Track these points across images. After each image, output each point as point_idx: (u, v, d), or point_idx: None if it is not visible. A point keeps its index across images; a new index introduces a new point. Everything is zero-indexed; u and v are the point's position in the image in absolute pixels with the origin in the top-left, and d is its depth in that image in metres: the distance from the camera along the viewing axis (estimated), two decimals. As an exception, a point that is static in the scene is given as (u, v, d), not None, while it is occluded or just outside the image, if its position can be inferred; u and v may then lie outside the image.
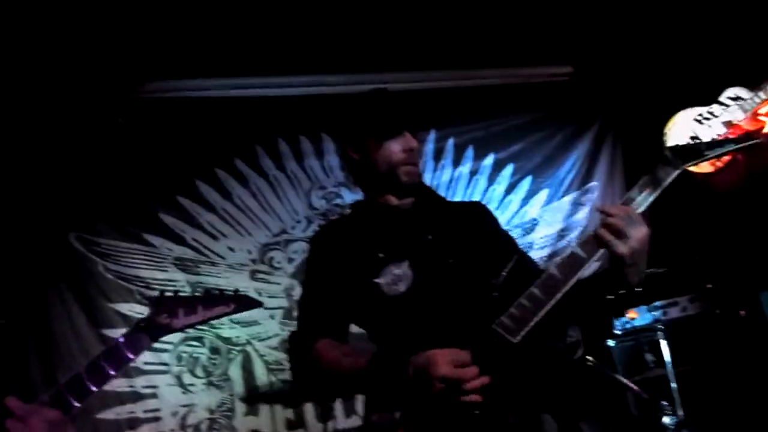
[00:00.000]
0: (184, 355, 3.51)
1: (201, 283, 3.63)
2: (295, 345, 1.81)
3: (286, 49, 3.76)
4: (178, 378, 3.49)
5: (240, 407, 3.54)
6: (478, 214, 2.01)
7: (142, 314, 3.44)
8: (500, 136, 4.33)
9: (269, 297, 3.72)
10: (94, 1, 3.14)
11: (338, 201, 4.04)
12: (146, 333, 1.34)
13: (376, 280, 1.76)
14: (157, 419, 3.39)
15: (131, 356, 1.30)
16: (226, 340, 3.60)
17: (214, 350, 3.58)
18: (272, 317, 3.71)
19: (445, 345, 1.57)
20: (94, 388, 1.23)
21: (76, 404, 1.21)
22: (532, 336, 1.54)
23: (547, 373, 1.61)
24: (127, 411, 3.32)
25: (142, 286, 3.54)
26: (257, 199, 3.90)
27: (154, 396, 3.41)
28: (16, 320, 3.26)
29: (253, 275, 3.74)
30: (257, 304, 1.57)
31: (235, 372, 3.58)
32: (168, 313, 1.35)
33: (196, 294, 1.42)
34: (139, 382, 3.39)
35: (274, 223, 3.90)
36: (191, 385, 3.50)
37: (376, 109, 1.91)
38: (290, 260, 3.85)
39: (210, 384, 3.53)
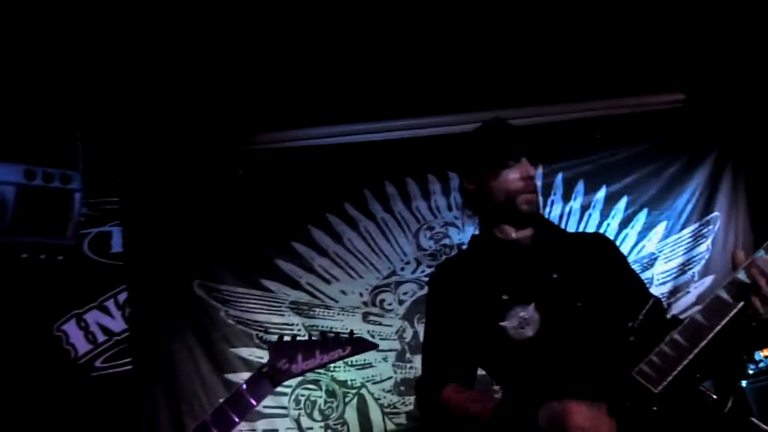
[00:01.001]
0: (301, 398, 3.59)
1: (316, 326, 3.71)
2: (422, 392, 1.80)
3: (388, 93, 3.85)
4: (297, 422, 3.56)
5: (357, 451, 3.56)
6: (602, 246, 1.92)
7: (262, 358, 3.62)
8: (612, 168, 4.20)
9: (381, 339, 3.75)
10: (205, 60, 3.35)
11: (446, 241, 4.05)
12: (268, 379, 1.38)
13: (502, 324, 1.72)
14: (278, 462, 3.47)
15: (254, 402, 1.35)
16: (342, 383, 3.65)
17: (330, 393, 3.63)
18: (385, 359, 3.72)
19: (578, 394, 1.52)
20: None
21: (237, 419, 1.26)
22: (675, 386, 1.45)
23: (696, 428, 1.50)
24: (248, 456, 3.42)
25: (260, 331, 3.67)
26: (367, 241, 3.97)
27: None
28: (144, 366, 3.45)
29: (366, 318, 3.79)
30: (372, 347, 1.58)
31: (351, 415, 3.61)
32: (287, 358, 1.39)
33: (314, 338, 1.41)
34: (260, 426, 3.48)
35: (383, 265, 3.94)
36: (309, 428, 3.56)
37: (493, 137, 1.89)
38: (401, 302, 3.88)
39: (327, 427, 3.58)
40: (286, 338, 1.38)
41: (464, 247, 3.94)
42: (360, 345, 1.44)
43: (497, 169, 1.84)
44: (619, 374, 1.52)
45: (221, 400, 1.32)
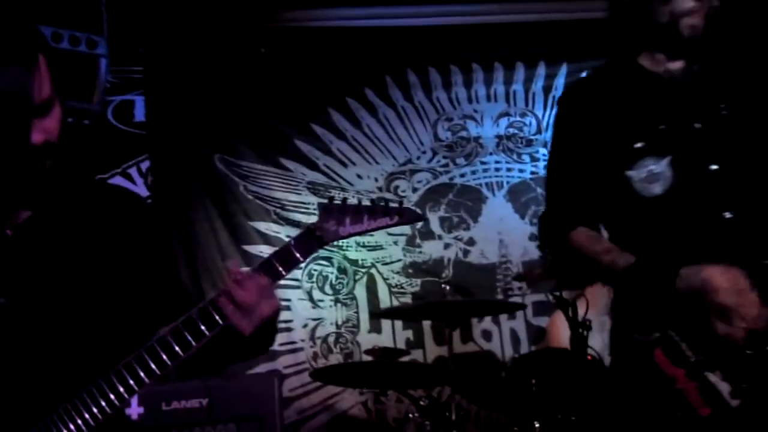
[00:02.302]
0: (314, 272, 3.76)
1: (330, 207, 3.82)
2: (549, 229, 1.71)
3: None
4: (309, 294, 3.75)
5: (364, 324, 3.77)
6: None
7: (279, 233, 3.75)
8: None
9: (396, 224, 3.86)
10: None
11: (463, 133, 4.07)
12: (315, 238, 1.34)
13: (629, 173, 1.58)
14: (289, 329, 3.68)
15: (300, 258, 1.32)
16: (353, 262, 3.81)
17: (342, 270, 3.80)
18: (396, 243, 3.86)
19: (714, 262, 1.44)
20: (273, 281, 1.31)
21: (283, 272, 1.31)
22: None
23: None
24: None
25: (277, 207, 3.79)
26: (385, 128, 4.00)
27: (287, 308, 3.68)
28: (166, 232, 3.58)
29: (379, 202, 3.88)
30: (420, 218, 1.55)
31: (360, 292, 3.80)
32: (336, 220, 1.33)
33: (363, 203, 1.37)
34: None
35: (400, 153, 4.00)
36: (320, 300, 3.75)
37: None
38: (414, 189, 3.96)
39: (337, 301, 3.77)
40: (337, 201, 1.37)
41: (482, 140, 4.05)
42: (408, 215, 1.39)
43: None
44: (762, 245, 1.43)
45: (270, 256, 1.34)
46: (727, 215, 1.54)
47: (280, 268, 1.33)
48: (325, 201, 1.38)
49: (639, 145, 1.58)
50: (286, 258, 1.33)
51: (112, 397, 1.27)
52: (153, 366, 1.28)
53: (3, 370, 1.28)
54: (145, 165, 3.67)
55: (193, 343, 1.29)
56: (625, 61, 1.71)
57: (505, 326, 3.83)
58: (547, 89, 4.15)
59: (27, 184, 1.30)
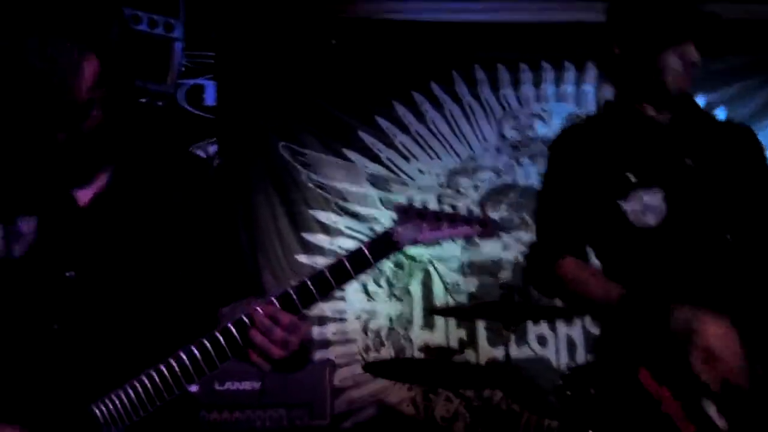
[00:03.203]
0: (370, 265, 3.75)
1: (391, 200, 3.81)
2: (537, 259, 1.72)
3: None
4: (364, 286, 3.75)
5: (417, 320, 3.74)
6: (747, 140, 1.73)
7: (337, 223, 3.76)
8: (713, 77, 3.97)
9: (453, 221, 3.82)
10: None
11: (530, 133, 3.99)
12: (391, 243, 1.27)
13: (621, 203, 1.62)
14: (342, 320, 3.69)
15: (372, 261, 1.26)
16: (410, 257, 3.78)
17: (398, 265, 3.78)
18: (453, 241, 3.80)
19: (703, 298, 1.48)
20: (335, 287, 1.26)
21: (315, 300, 1.25)
22: None
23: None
24: (318, 309, 3.65)
25: (338, 198, 3.80)
26: (450, 124, 3.96)
27: (342, 299, 3.70)
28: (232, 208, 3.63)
29: (440, 199, 3.85)
30: (501, 230, 1.49)
31: (416, 288, 3.77)
32: (413, 224, 1.27)
33: (444, 209, 1.30)
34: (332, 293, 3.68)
35: (463, 150, 3.95)
36: (375, 293, 3.75)
37: (663, 9, 1.69)
38: (476, 187, 3.91)
39: (392, 295, 3.76)
40: (416, 206, 1.29)
41: (549, 140, 3.96)
42: (490, 227, 1.31)
43: (657, 44, 1.66)
44: (747, 286, 1.48)
45: (342, 256, 1.27)
46: (728, 237, 1.59)
47: (351, 270, 1.27)
48: (404, 203, 1.31)
49: (632, 177, 1.64)
50: (358, 260, 1.28)
51: (163, 389, 1.28)
52: (182, 377, 1.27)
53: (69, 343, 1.30)
54: (212, 148, 3.73)
55: (218, 363, 1.28)
56: (618, 106, 1.79)
57: (562, 332, 3.75)
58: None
59: (83, 162, 1.32)
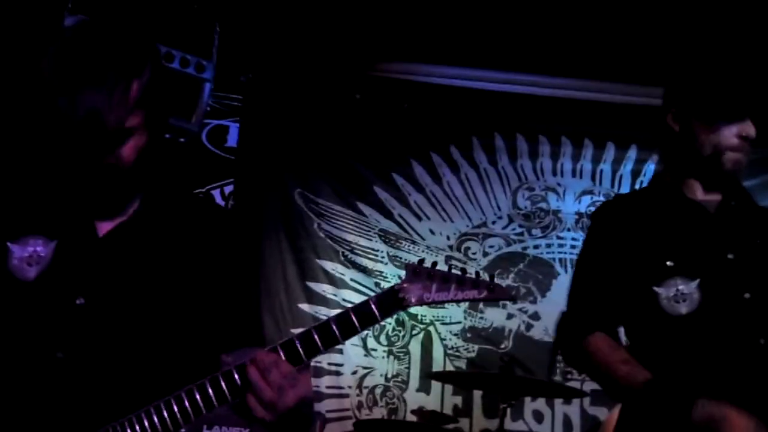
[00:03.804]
0: (371, 321, 3.72)
1: (399, 257, 3.81)
2: (567, 331, 1.74)
3: (517, 45, 3.77)
4: (363, 341, 3.72)
5: (414, 382, 3.69)
6: None
7: (344, 275, 3.75)
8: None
9: (459, 285, 3.81)
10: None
11: (543, 205, 4.01)
12: (397, 300, 1.26)
13: (656, 289, 1.62)
14: (338, 373, 3.65)
15: (379, 317, 1.26)
16: (412, 316, 3.76)
17: (400, 323, 3.75)
18: (458, 305, 3.79)
19: (729, 395, 1.47)
20: (340, 340, 1.24)
21: (322, 352, 1.23)
22: None
23: None
24: (315, 359, 3.60)
25: (347, 249, 3.81)
26: (465, 188, 3.99)
27: (340, 352, 3.67)
28: (241, 262, 3.65)
29: (448, 261, 3.85)
30: (510, 298, 1.51)
31: (415, 347, 3.73)
32: (422, 284, 1.26)
33: (453, 271, 1.29)
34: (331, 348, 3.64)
35: (475, 215, 3.97)
36: (373, 350, 3.71)
37: (722, 81, 1.70)
38: (485, 254, 3.91)
39: (390, 353, 3.72)
40: (426, 265, 1.29)
41: (561, 214, 3.96)
42: (497, 293, 1.29)
43: (716, 119, 1.66)
44: None
45: (348, 309, 1.26)
46: (762, 341, 1.57)
47: (357, 323, 1.26)
48: (414, 262, 1.31)
49: (670, 263, 1.63)
50: (364, 315, 1.27)
51: (167, 421, 1.27)
52: (179, 415, 1.26)
53: (72, 368, 1.30)
54: (228, 188, 3.78)
55: (216, 404, 1.26)
56: (666, 185, 1.78)
57: (559, 410, 3.67)
58: (635, 173, 4.05)
59: (105, 193, 1.34)
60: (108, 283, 1.35)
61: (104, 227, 1.38)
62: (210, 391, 1.25)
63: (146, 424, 1.25)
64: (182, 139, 3.23)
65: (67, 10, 3.09)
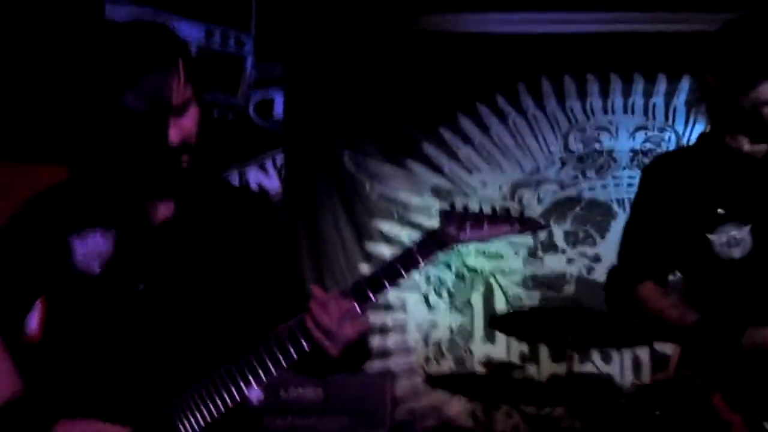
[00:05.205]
0: (431, 276, 3.77)
1: (453, 212, 3.82)
2: (615, 281, 1.84)
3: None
4: (425, 296, 3.77)
5: (478, 333, 3.73)
6: None
7: (400, 234, 3.79)
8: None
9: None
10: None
11: (596, 146, 3.93)
12: (436, 242, 1.36)
13: (709, 236, 1.70)
14: (403, 330, 3.72)
15: (421, 261, 1.35)
16: (471, 269, 3.78)
17: (460, 276, 3.78)
18: (517, 254, 3.79)
19: None
20: (387, 285, 1.34)
21: (372, 297, 1.33)
22: None
23: None
24: (380, 319, 3.69)
25: (401, 209, 3.84)
26: (514, 136, 3.94)
27: (403, 309, 3.73)
28: (293, 225, 3.73)
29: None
30: (542, 227, 1.57)
31: (477, 300, 3.76)
32: (456, 225, 1.35)
33: (485, 211, 1.37)
34: (391, 295, 3.72)
35: (527, 162, 3.92)
36: (436, 304, 3.76)
37: (760, 40, 1.72)
38: (539, 200, 3.87)
39: (453, 306, 3.76)
40: (458, 208, 1.38)
41: (615, 153, 3.88)
42: (530, 224, 1.37)
43: (754, 77, 1.70)
44: None
45: (391, 257, 1.38)
46: None
47: (401, 270, 1.35)
48: (446, 207, 1.40)
49: (721, 211, 1.71)
50: (407, 260, 1.36)
51: (233, 389, 1.35)
52: (250, 376, 1.35)
53: (135, 352, 1.38)
54: (280, 159, 3.84)
55: (284, 362, 1.35)
56: (712, 140, 1.84)
57: (628, 351, 3.67)
58: (689, 104, 3.92)
59: (165, 180, 1.40)
60: (165, 267, 1.42)
61: (159, 212, 1.44)
62: (275, 347, 1.35)
63: (219, 386, 1.34)
64: (231, 116, 3.29)
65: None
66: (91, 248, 1.41)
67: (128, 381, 1.36)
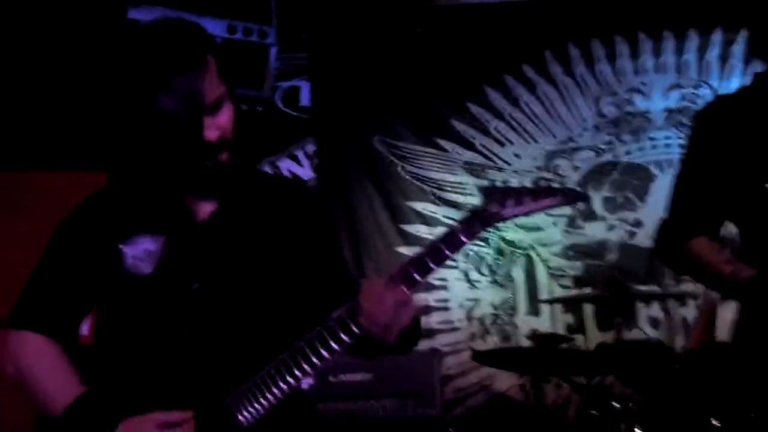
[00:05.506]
0: (471, 253, 3.75)
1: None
2: (669, 235, 1.76)
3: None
4: (466, 274, 3.76)
5: (522, 306, 3.71)
6: None
7: (435, 213, 3.78)
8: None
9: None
10: None
11: (629, 108, 3.85)
12: (479, 220, 1.36)
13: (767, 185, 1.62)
14: (446, 309, 3.72)
15: (465, 240, 1.35)
16: (510, 243, 3.75)
17: (499, 251, 3.75)
18: (555, 224, 3.74)
19: None
20: (433, 266, 1.34)
21: (420, 279, 1.34)
22: None
23: None
24: (421, 298, 3.68)
25: (434, 188, 3.82)
26: (544, 105, 3.88)
27: (444, 288, 3.73)
28: (329, 205, 3.73)
29: (538, 182, 3.78)
30: (584, 198, 1.54)
31: (518, 273, 3.74)
32: (498, 202, 1.35)
33: (525, 185, 1.41)
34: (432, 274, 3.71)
35: (560, 131, 3.86)
36: (477, 281, 3.75)
37: None
38: (575, 168, 3.81)
39: (494, 282, 3.74)
40: (498, 184, 1.39)
41: (650, 114, 3.79)
42: (571, 195, 1.37)
43: None
44: None
45: (435, 239, 1.37)
46: None
47: (446, 251, 1.35)
48: (486, 184, 1.41)
49: None
50: (451, 241, 1.36)
51: (288, 378, 1.37)
52: (304, 364, 1.37)
53: (192, 348, 1.40)
54: (310, 147, 3.85)
55: (336, 347, 1.36)
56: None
57: (676, 314, 3.61)
58: (723, 58, 3.80)
59: (206, 177, 1.41)
60: (216, 263, 1.44)
61: (203, 211, 1.46)
62: (326, 335, 1.36)
63: (276, 376, 1.36)
64: (259, 108, 3.31)
65: (128, 1, 3.18)
66: (141, 252, 1.43)
67: (187, 377, 1.39)
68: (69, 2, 3.42)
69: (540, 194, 1.36)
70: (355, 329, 1.34)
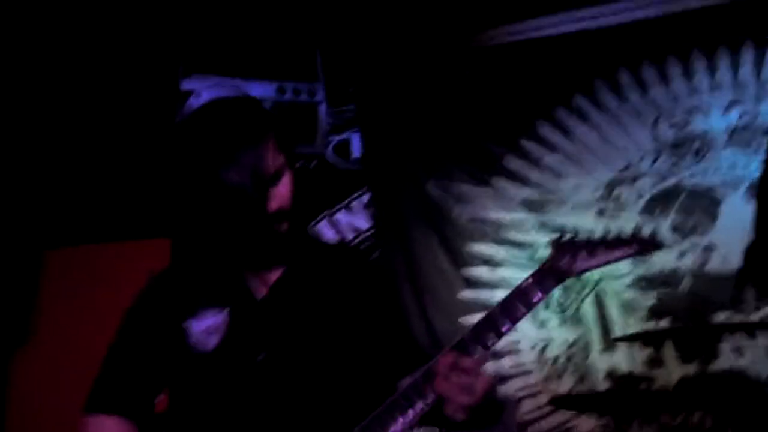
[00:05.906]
0: (537, 292, 3.66)
1: (547, 223, 3.71)
2: (759, 256, 1.70)
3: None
4: (534, 314, 3.65)
5: (596, 344, 3.58)
6: None
7: (497, 254, 3.72)
8: None
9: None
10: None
11: (689, 129, 3.73)
12: (552, 275, 1.35)
13: None
14: (517, 351, 3.62)
15: (541, 295, 1.35)
16: (578, 279, 3.62)
17: (566, 288, 3.65)
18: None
19: None
20: (509, 326, 1.34)
21: (496, 343, 1.31)
22: None
23: None
24: (491, 367, 3.58)
25: (492, 228, 3.76)
26: (599, 134, 3.80)
27: (514, 330, 3.62)
28: (390, 260, 3.73)
29: (600, 214, 3.69)
30: (660, 246, 1.49)
31: (589, 309, 3.62)
32: (570, 255, 1.35)
33: (596, 236, 1.38)
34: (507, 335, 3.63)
35: (618, 159, 3.76)
36: (546, 320, 3.64)
37: None
38: (639, 196, 3.70)
39: (564, 321, 3.63)
40: (567, 238, 1.35)
41: (711, 134, 3.68)
42: (647, 244, 1.35)
43: None
44: None
45: (510, 293, 1.36)
46: None
47: (521, 306, 1.31)
48: (556, 237, 1.40)
49: None
50: (526, 295, 1.34)
51: None
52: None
53: (261, 421, 1.41)
54: (366, 197, 3.87)
55: (411, 414, 1.35)
56: None
57: (763, 341, 3.41)
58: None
59: (269, 249, 1.44)
60: (281, 335, 1.45)
61: (266, 281, 1.47)
62: (402, 402, 1.35)
63: None
64: (312, 164, 3.36)
65: (180, 73, 3.30)
66: (206, 327, 1.45)
67: None
68: (124, 79, 3.57)
69: (613, 245, 1.35)
70: (430, 394, 1.31)
